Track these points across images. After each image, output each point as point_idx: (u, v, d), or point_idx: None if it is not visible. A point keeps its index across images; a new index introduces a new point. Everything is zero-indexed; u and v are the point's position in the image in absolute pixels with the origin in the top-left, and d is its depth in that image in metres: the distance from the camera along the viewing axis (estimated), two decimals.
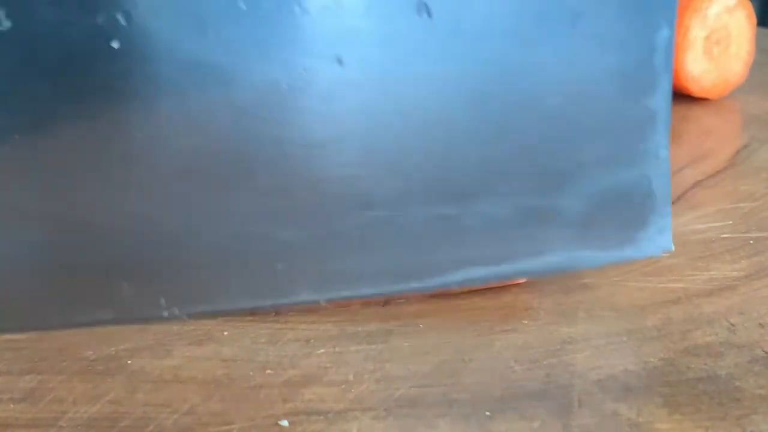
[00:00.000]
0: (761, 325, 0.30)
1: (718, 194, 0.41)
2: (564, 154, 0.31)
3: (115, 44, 0.26)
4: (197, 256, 0.29)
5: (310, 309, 0.31)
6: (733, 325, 0.30)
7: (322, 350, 0.29)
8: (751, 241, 0.36)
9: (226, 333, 0.30)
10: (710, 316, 0.31)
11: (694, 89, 0.54)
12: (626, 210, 0.32)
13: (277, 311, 0.32)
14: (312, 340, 0.30)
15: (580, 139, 0.31)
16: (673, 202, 0.40)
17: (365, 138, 0.29)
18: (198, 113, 0.28)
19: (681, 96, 0.52)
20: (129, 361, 0.29)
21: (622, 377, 0.27)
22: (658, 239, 0.33)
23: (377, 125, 0.29)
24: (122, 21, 0.26)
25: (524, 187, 0.31)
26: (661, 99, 0.31)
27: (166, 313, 0.29)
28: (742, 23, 0.54)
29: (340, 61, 0.28)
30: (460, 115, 0.30)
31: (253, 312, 0.32)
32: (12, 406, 0.27)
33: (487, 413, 0.26)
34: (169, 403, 0.27)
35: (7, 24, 0.26)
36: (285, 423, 0.26)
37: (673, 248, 0.33)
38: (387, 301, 0.32)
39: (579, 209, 0.32)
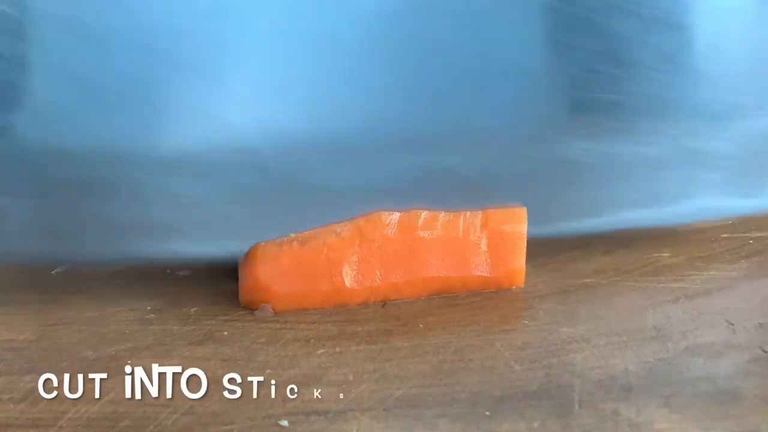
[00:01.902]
0: (761, 325, 0.30)
1: None
2: (725, 94, 0.32)
3: None
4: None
5: (336, 305, 0.31)
6: (733, 325, 0.30)
7: (322, 350, 0.29)
8: (751, 241, 0.36)
9: (226, 333, 0.30)
10: (710, 316, 0.31)
11: None
12: None
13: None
14: (312, 340, 0.30)
15: (742, 80, 0.32)
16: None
17: None
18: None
19: None
20: (129, 361, 0.29)
21: (622, 377, 0.27)
22: None
23: None
24: None
25: (684, 127, 0.32)
26: None
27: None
28: None
29: None
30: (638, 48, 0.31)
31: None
32: (12, 406, 0.27)
33: (487, 413, 0.26)
34: (169, 403, 0.27)
35: None
36: (285, 423, 0.26)
37: None
38: (387, 301, 0.32)
39: (730, 152, 0.33)
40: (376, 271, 0.32)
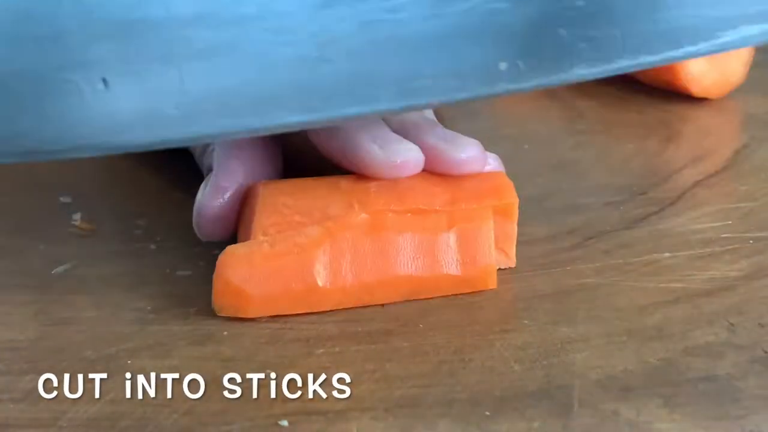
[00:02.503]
0: (761, 325, 0.30)
1: (718, 194, 0.41)
2: None
3: None
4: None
5: (310, 309, 0.31)
6: (733, 325, 0.30)
7: (322, 350, 0.29)
8: (751, 241, 0.36)
9: (226, 333, 0.30)
10: (710, 316, 0.31)
11: (694, 89, 0.54)
12: None
13: None
14: (312, 340, 0.30)
15: None
16: (672, 203, 0.40)
17: None
18: None
19: (681, 96, 0.52)
20: (129, 361, 0.29)
21: (622, 377, 0.28)
22: None
23: None
24: None
25: None
26: None
27: None
28: None
29: None
30: None
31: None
32: (12, 406, 0.27)
33: (487, 413, 0.26)
34: (169, 403, 0.27)
35: None
36: (285, 423, 0.26)
37: None
38: (386, 301, 0.32)
39: None
40: (348, 271, 0.31)
